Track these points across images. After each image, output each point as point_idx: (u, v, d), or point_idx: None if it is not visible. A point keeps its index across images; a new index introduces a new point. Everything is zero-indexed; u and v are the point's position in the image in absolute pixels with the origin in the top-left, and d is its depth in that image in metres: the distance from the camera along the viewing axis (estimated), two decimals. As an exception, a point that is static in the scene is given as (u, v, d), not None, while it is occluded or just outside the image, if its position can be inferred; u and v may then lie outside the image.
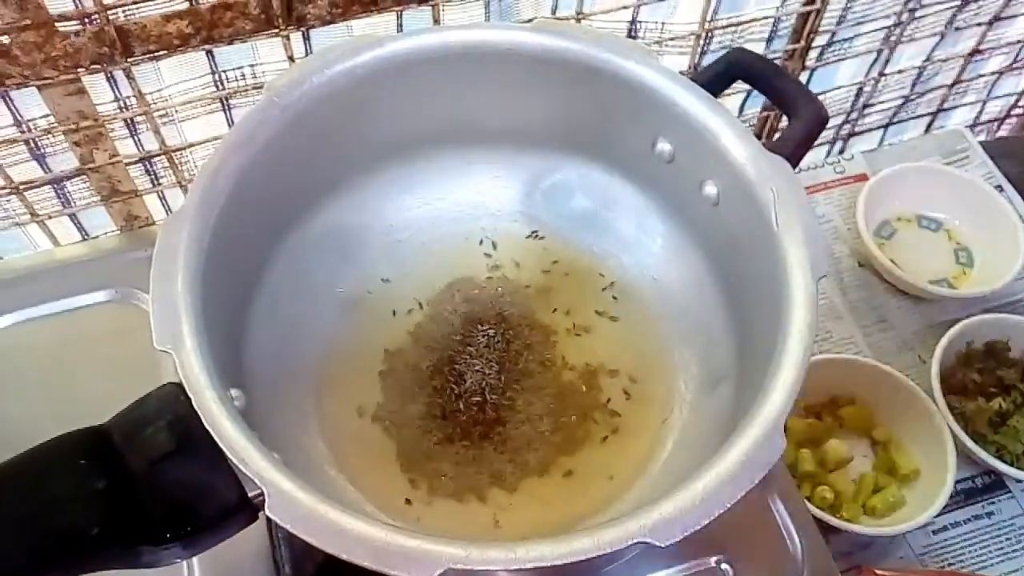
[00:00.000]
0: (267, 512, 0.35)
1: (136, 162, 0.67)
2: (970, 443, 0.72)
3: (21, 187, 0.65)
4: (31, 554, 0.34)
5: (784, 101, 0.49)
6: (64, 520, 0.35)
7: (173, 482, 0.37)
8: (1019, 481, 0.74)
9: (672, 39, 0.74)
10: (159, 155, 0.67)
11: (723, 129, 0.46)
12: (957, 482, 0.73)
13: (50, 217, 0.69)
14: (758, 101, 0.87)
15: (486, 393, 0.50)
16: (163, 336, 0.39)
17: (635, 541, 0.34)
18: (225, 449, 0.36)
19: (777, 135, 0.48)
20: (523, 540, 0.34)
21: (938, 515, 0.69)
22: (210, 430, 0.37)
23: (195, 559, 0.51)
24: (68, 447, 0.37)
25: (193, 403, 0.37)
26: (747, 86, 0.81)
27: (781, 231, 0.43)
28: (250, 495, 0.37)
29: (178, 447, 0.38)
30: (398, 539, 0.34)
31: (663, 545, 0.34)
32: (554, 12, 0.71)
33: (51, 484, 0.36)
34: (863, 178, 0.91)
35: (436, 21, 0.65)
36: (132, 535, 0.36)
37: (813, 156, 0.97)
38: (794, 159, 0.46)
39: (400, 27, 0.64)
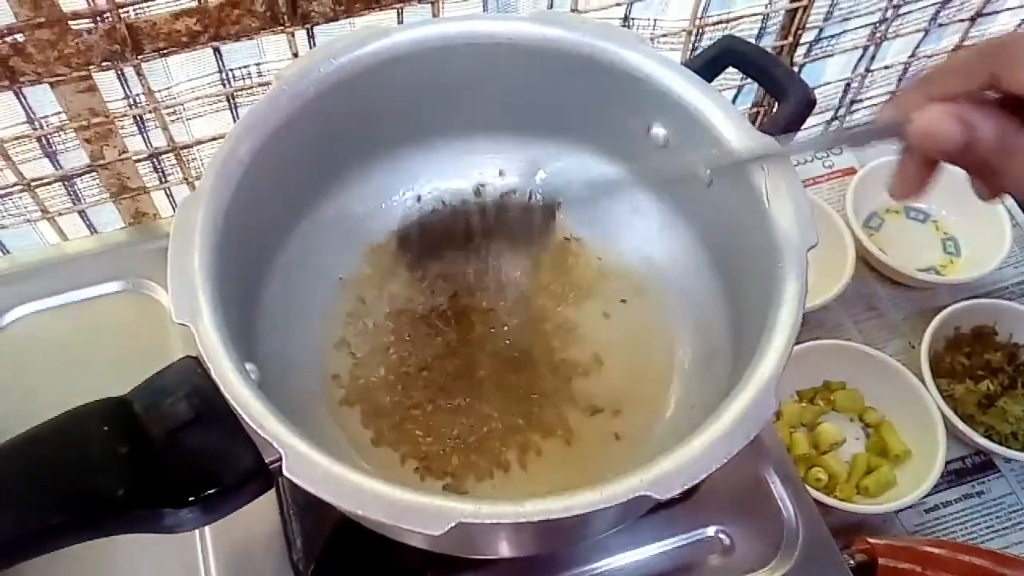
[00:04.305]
0: (285, 473, 0.36)
1: (145, 159, 0.69)
2: (960, 424, 0.74)
3: (33, 183, 0.66)
4: (61, 513, 0.36)
5: (773, 85, 0.50)
6: (91, 481, 0.37)
7: (192, 449, 0.39)
8: (1008, 460, 0.76)
9: (664, 35, 0.76)
10: (167, 152, 0.69)
11: (715, 112, 0.48)
12: (948, 462, 0.75)
13: (60, 214, 0.70)
14: (747, 99, 0.90)
15: (492, 364, 0.52)
16: (181, 310, 0.40)
17: (637, 495, 0.36)
18: (243, 415, 0.38)
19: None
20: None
21: (930, 494, 0.71)
22: (228, 397, 0.38)
23: (208, 538, 0.52)
24: (91, 414, 0.39)
25: (211, 373, 0.39)
26: (736, 83, 0.85)
27: (771, 207, 0.44)
28: (266, 460, 0.38)
29: (197, 417, 0.39)
30: (411, 496, 0.36)
31: (663, 498, 0.36)
32: (550, 8, 0.73)
33: (77, 448, 0.38)
34: (851, 172, 0.93)
35: (436, 16, 0.67)
36: (155, 498, 0.37)
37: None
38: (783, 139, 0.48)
39: (401, 23, 0.66)
